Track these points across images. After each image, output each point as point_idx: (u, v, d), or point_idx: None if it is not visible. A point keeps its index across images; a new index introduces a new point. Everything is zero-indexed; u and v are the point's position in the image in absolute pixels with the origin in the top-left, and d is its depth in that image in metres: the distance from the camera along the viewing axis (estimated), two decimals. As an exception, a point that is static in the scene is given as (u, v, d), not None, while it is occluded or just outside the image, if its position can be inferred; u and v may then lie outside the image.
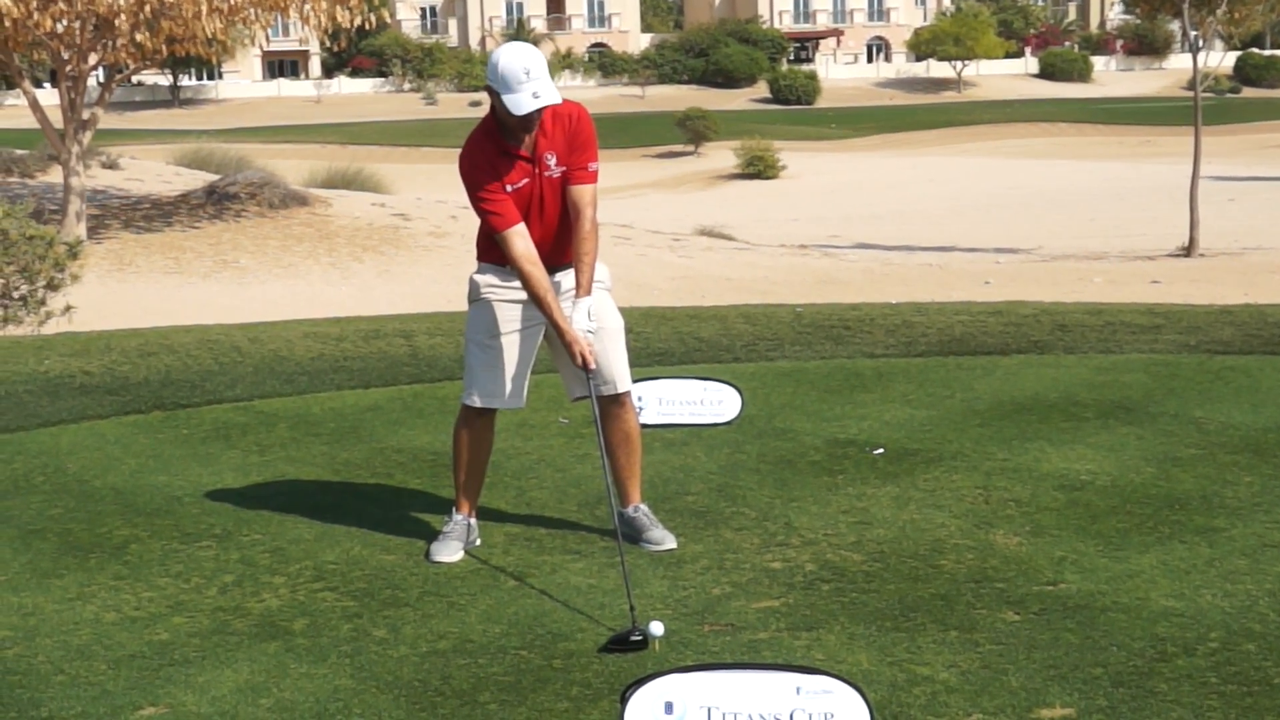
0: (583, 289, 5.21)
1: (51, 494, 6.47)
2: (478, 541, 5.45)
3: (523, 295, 5.24)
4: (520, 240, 5.11)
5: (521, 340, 5.38)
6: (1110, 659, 4.18)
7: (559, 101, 5.05)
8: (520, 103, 4.97)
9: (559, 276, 5.31)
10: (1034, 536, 5.36)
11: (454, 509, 5.49)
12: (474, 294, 5.40)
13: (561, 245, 5.27)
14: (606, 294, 5.40)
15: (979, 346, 9.73)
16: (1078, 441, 6.81)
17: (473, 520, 5.48)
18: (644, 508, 5.51)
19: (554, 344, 5.38)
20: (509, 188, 5.11)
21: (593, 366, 5.17)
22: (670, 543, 5.37)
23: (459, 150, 5.30)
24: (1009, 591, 4.76)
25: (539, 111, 5.02)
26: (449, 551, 5.32)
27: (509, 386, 5.38)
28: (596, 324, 5.24)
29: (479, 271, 5.40)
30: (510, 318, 5.35)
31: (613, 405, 5.41)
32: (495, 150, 5.14)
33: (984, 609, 4.61)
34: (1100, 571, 4.93)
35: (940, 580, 4.90)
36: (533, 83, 4.97)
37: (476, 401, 5.39)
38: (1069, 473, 6.24)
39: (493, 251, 5.30)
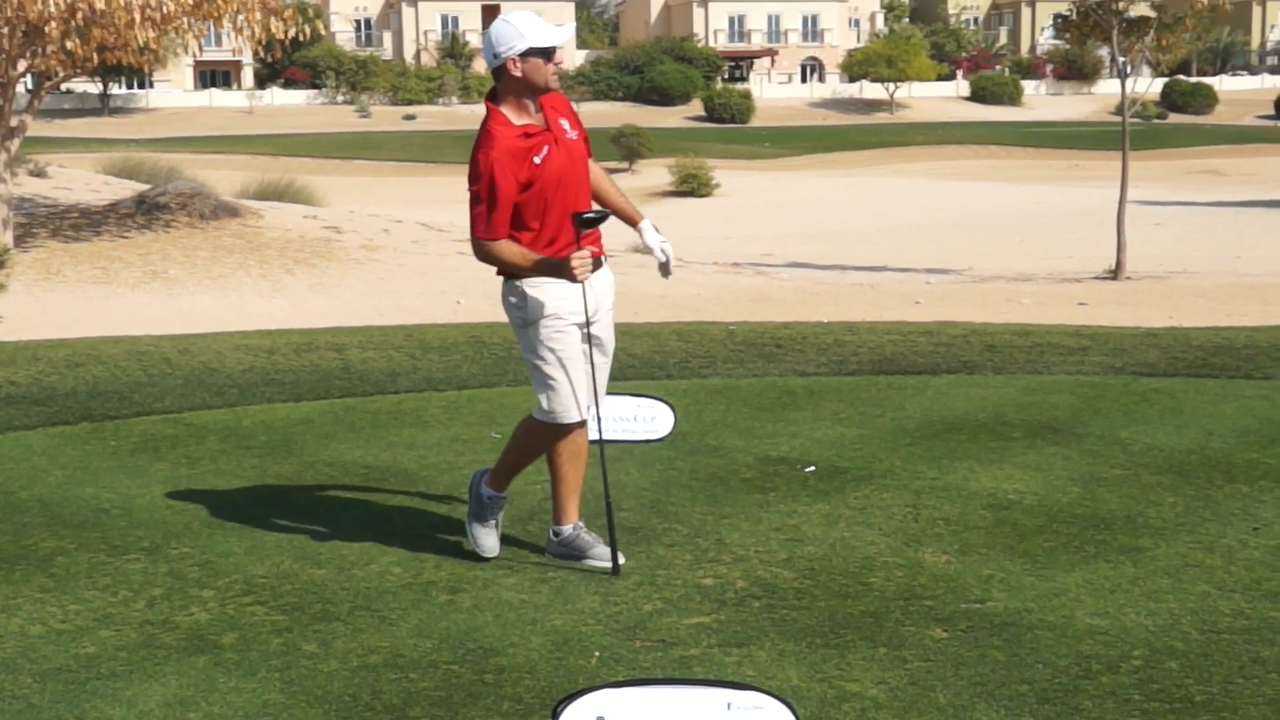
0: (635, 214, 5.51)
1: (-24, 505, 6.39)
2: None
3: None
4: (509, 244, 5.15)
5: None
6: (1036, 676, 4.24)
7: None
8: (560, 31, 5.15)
9: (596, 275, 5.33)
10: (962, 555, 5.41)
11: (563, 521, 5.45)
12: (538, 311, 5.25)
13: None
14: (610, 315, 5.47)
15: (909, 366, 9.83)
16: (1005, 461, 6.89)
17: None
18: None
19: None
20: (536, 159, 5.13)
21: (670, 273, 5.44)
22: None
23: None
24: (937, 609, 4.81)
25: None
26: (606, 556, 5.34)
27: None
28: (665, 238, 5.49)
29: (533, 287, 5.23)
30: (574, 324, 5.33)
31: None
32: (515, 134, 5.14)
33: (912, 626, 4.66)
34: (1027, 590, 5.00)
35: (870, 597, 4.95)
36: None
37: (580, 415, 5.37)
38: (997, 492, 6.31)
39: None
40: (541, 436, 5.41)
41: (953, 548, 5.50)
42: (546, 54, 5.15)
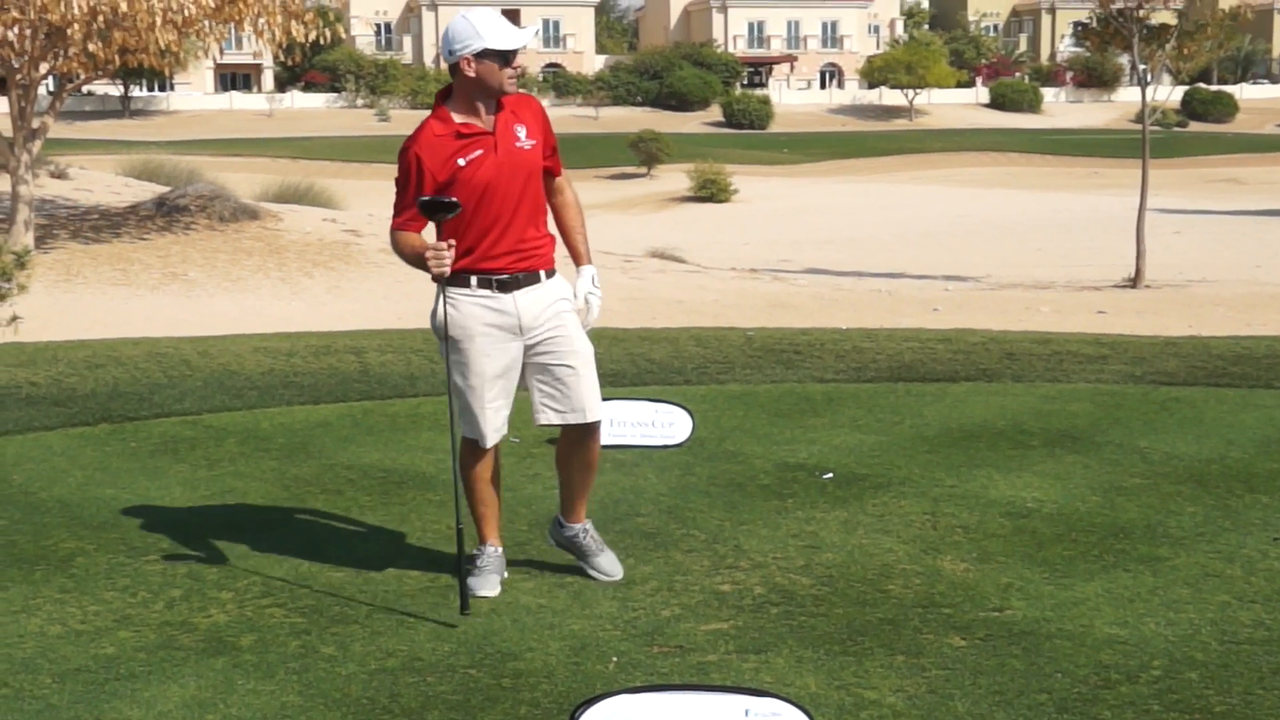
0: (583, 257, 5.29)
1: (-4, 505, 6.41)
2: (506, 573, 5.27)
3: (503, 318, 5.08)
4: (408, 234, 5.02)
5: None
6: (1055, 685, 4.22)
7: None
8: (520, 34, 4.95)
9: (526, 291, 5.10)
10: (981, 563, 5.40)
11: (481, 542, 5.26)
12: (444, 327, 5.10)
13: (527, 225, 5.09)
14: (577, 318, 5.23)
15: (928, 373, 9.81)
16: (1024, 469, 6.87)
17: (501, 549, 5.31)
18: (590, 529, 5.37)
19: (526, 364, 5.19)
20: (462, 161, 4.92)
21: (589, 324, 5.21)
22: (618, 573, 5.27)
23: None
24: (955, 617, 4.80)
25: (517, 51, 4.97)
26: (490, 586, 5.12)
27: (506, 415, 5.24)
28: (599, 291, 5.26)
29: (448, 300, 5.06)
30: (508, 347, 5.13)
31: (581, 433, 5.22)
32: (446, 132, 4.97)
33: (931, 634, 4.64)
34: (1046, 598, 4.98)
35: (888, 605, 4.94)
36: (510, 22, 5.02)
37: (485, 443, 5.18)
38: (1016, 500, 6.29)
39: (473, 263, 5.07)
40: (467, 459, 5.21)
41: (971, 556, 5.49)
42: (504, 57, 4.92)
